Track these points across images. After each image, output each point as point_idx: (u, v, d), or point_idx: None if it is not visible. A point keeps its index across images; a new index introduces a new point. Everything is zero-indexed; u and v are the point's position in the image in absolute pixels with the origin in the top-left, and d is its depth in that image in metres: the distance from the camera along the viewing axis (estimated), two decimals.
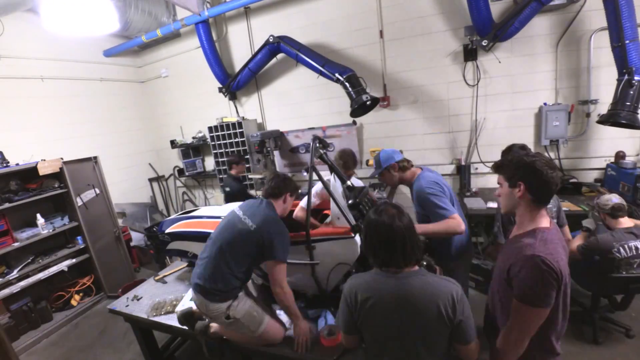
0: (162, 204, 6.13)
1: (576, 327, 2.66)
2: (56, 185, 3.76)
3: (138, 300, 2.55)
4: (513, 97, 3.76)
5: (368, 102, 3.63)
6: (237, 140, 4.58)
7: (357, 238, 1.85)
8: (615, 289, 2.39)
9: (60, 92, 4.54)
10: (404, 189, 4.44)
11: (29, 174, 3.59)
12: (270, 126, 5.01)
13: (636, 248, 2.16)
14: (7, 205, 3.32)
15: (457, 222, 1.84)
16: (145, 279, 3.00)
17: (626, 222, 2.30)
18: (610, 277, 2.23)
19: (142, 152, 5.84)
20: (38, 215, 3.60)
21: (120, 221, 4.95)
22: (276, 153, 4.95)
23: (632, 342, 2.49)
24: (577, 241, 2.40)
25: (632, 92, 2.76)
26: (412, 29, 3.92)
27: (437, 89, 4.01)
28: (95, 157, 4.15)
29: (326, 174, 2.07)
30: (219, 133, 4.68)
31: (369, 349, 1.34)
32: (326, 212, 2.48)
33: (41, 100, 4.31)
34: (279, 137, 4.78)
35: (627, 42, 2.74)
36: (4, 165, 3.42)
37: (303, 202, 2.40)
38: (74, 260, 3.86)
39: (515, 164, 1.29)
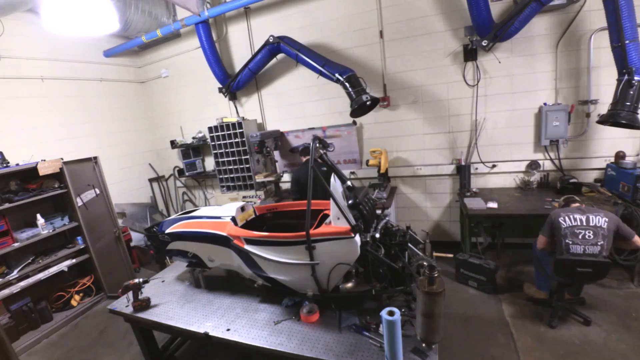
0: (162, 204, 6.13)
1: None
2: (56, 186, 3.76)
3: None
4: (513, 97, 3.76)
5: (368, 102, 3.63)
6: (237, 140, 4.58)
7: (357, 238, 1.85)
8: (566, 271, 2.54)
9: (60, 92, 4.54)
10: (404, 189, 4.47)
11: (29, 174, 3.60)
12: (270, 126, 5.01)
13: (580, 220, 2.51)
14: (7, 205, 3.32)
15: None
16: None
17: (576, 205, 2.75)
18: (559, 260, 2.52)
19: (142, 152, 5.84)
20: (38, 216, 3.60)
21: (120, 221, 4.95)
22: (276, 153, 4.95)
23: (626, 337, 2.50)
24: None
25: (632, 92, 2.76)
26: (412, 29, 3.93)
27: (437, 89, 4.01)
28: (95, 157, 4.15)
29: None
30: (219, 133, 4.68)
31: None
32: (326, 212, 2.48)
33: (41, 100, 4.31)
34: (279, 137, 4.78)
35: (627, 42, 2.73)
36: (4, 165, 3.42)
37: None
38: (74, 260, 3.86)
39: None
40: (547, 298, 3.02)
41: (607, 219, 2.46)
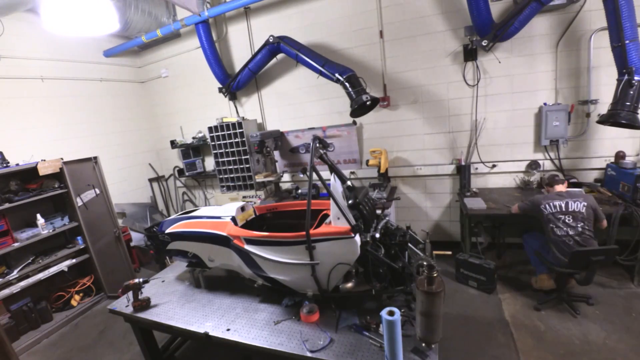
0: (162, 204, 6.13)
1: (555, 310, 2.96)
2: (56, 186, 3.77)
3: None
4: (513, 97, 3.76)
5: (368, 102, 3.63)
6: (237, 140, 4.58)
7: (357, 238, 1.85)
8: (580, 263, 2.68)
9: (60, 92, 4.54)
10: (404, 189, 4.47)
11: (29, 174, 3.60)
12: (270, 126, 5.01)
13: (560, 206, 2.80)
14: (7, 205, 3.32)
15: None
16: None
17: (560, 188, 2.97)
18: (575, 252, 2.62)
19: (142, 152, 5.84)
20: (38, 216, 3.60)
21: (120, 221, 4.95)
22: (276, 153, 4.95)
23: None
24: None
25: (632, 92, 2.76)
26: (412, 29, 3.92)
27: (437, 89, 4.01)
28: (95, 157, 4.15)
29: (326, 174, 2.07)
30: (219, 133, 4.68)
31: None
32: (326, 212, 2.48)
33: (41, 100, 4.31)
34: (279, 137, 4.78)
35: (627, 42, 2.73)
36: (4, 165, 3.43)
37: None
38: (74, 260, 3.86)
39: None
40: (555, 288, 3.05)
41: (585, 203, 2.76)
